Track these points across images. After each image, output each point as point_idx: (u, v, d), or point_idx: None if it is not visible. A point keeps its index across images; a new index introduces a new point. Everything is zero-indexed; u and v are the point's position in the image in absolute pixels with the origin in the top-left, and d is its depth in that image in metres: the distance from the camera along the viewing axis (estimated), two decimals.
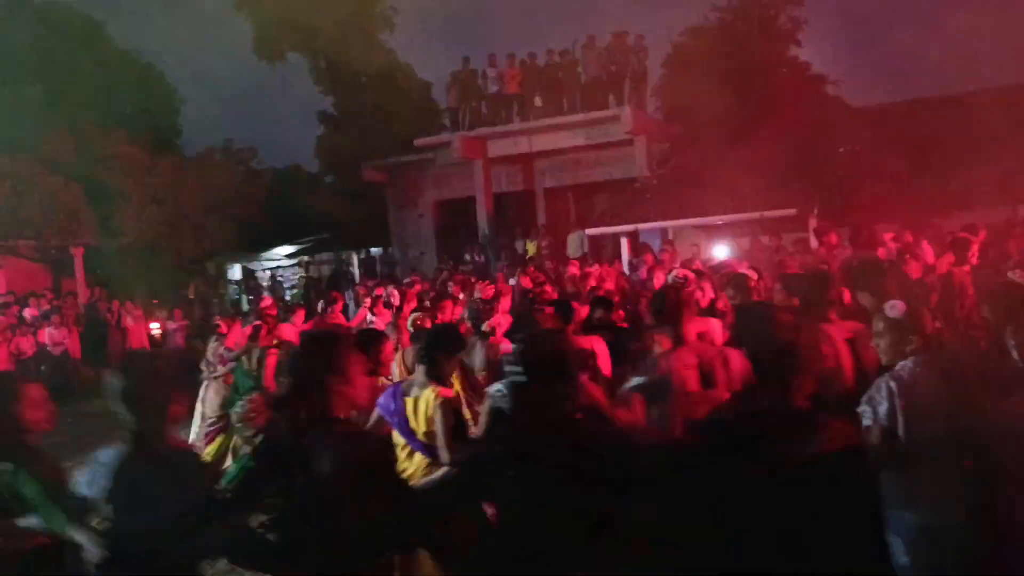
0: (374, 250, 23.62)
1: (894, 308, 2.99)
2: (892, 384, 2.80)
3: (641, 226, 13.98)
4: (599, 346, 4.59)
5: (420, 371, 3.57)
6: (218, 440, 7.21)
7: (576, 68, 17.31)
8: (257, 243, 25.42)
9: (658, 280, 7.07)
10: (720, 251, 12.79)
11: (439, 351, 3.61)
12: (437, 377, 3.54)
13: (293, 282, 25.11)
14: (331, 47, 24.79)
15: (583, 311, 5.70)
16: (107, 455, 2.61)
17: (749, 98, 18.69)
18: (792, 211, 12.25)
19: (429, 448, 3.42)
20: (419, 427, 3.44)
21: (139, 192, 15.94)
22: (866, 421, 2.83)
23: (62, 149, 15.67)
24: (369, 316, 8.41)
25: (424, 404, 3.44)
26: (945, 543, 2.75)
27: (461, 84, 18.01)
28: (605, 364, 4.52)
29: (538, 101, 17.53)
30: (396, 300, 8.17)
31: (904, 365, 2.86)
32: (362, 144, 22.13)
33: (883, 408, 2.79)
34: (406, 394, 3.53)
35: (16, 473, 2.86)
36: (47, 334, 14.95)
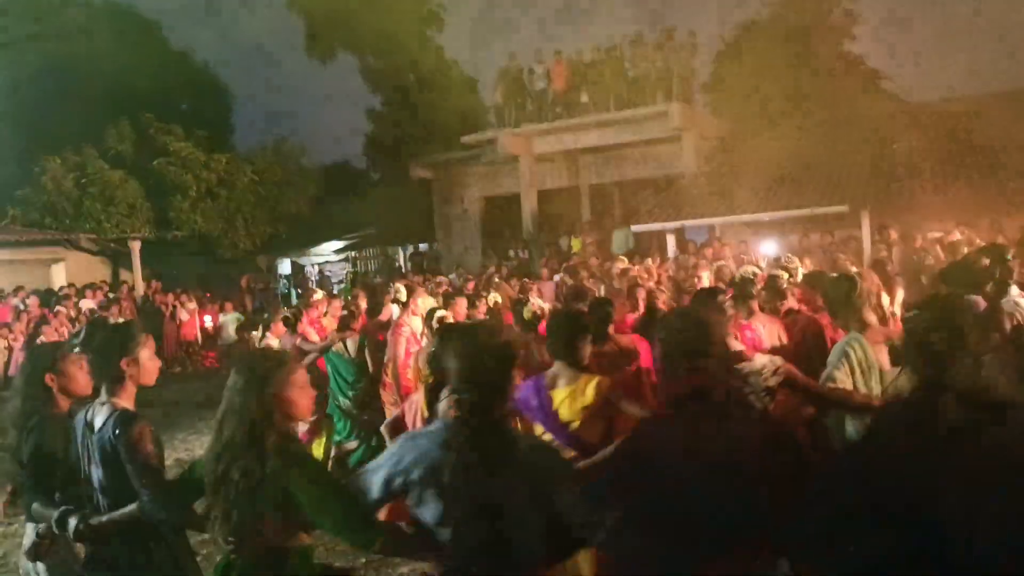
0: (422, 246, 23.87)
1: (975, 305, 2.91)
2: None
3: (687, 223, 13.85)
4: (642, 345, 4.44)
5: (561, 364, 3.43)
6: (321, 437, 6.97)
7: (623, 64, 17.22)
8: (306, 238, 25.92)
9: (701, 276, 6.98)
10: (769, 248, 12.60)
11: (578, 336, 3.46)
12: (581, 364, 3.42)
13: (341, 277, 25.52)
14: (380, 45, 25.14)
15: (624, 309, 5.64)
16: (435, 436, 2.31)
17: (801, 93, 18.38)
18: (844, 208, 12.01)
19: (579, 442, 3.25)
20: (573, 419, 3.29)
21: (195, 187, 16.38)
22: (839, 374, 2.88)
23: (123, 144, 16.19)
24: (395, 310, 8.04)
25: (583, 394, 3.30)
26: None
27: (507, 81, 18.08)
28: (648, 363, 4.35)
29: (584, 97, 17.49)
30: (403, 296, 7.69)
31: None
32: (409, 141, 22.36)
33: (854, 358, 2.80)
34: (552, 387, 3.38)
35: (285, 473, 2.25)
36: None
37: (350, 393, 6.97)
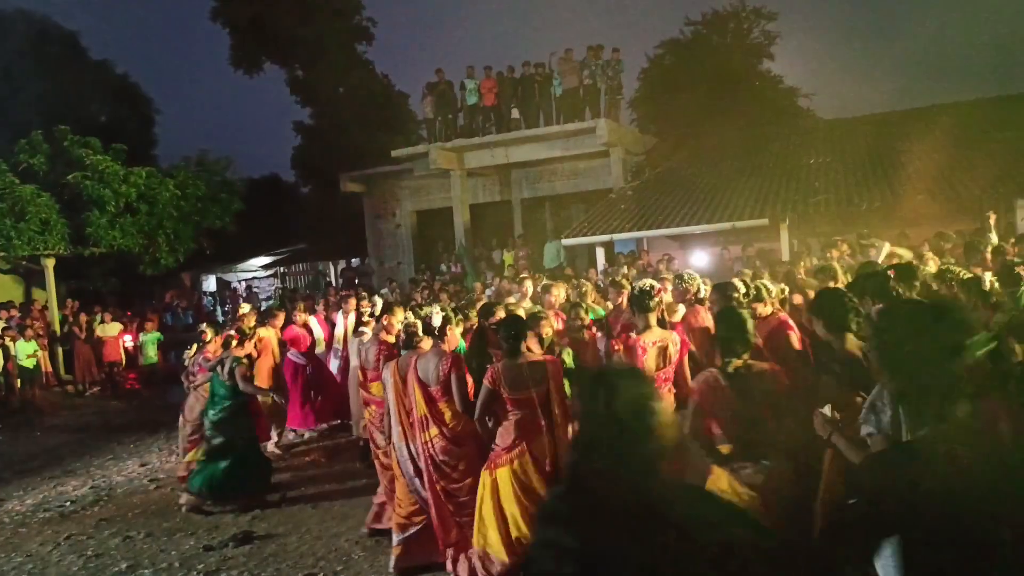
0: (353, 261, 23.58)
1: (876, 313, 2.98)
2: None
3: (616, 236, 14.11)
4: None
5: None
6: (198, 449, 7.47)
7: (552, 80, 17.47)
8: (232, 254, 25.28)
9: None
10: (699, 259, 12.93)
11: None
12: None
13: (269, 293, 24.98)
14: (308, 58, 24.82)
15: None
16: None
17: (723, 110, 19.00)
18: (764, 221, 12.44)
19: None
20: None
21: (113, 201, 15.75)
22: (868, 429, 2.75)
23: (36, 157, 15.46)
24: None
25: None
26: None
27: (437, 95, 18.11)
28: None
29: (515, 113, 17.66)
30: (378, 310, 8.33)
31: None
32: (339, 155, 22.13)
33: (887, 416, 2.67)
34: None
35: None
36: (18, 347, 14.73)
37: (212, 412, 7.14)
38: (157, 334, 15.88)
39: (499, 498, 4.46)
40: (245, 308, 9.69)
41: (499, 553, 4.45)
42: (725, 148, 16.67)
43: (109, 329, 15.53)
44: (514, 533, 4.41)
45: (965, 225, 10.29)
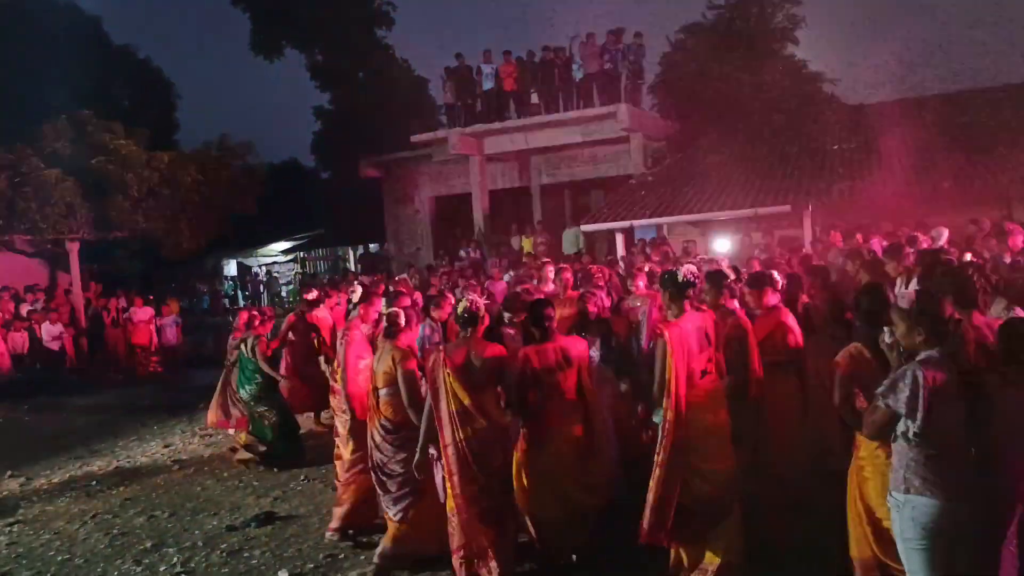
0: (372, 246, 23.66)
1: (904, 298, 3.10)
2: (920, 373, 2.85)
3: (636, 223, 14.03)
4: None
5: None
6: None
7: (572, 65, 17.35)
8: (253, 238, 25.47)
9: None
10: (722, 246, 12.78)
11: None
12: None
13: (289, 278, 25.16)
14: (328, 42, 24.81)
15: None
16: None
17: (745, 95, 18.75)
18: (787, 208, 12.30)
19: None
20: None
21: (136, 186, 15.88)
22: (880, 402, 2.97)
23: (60, 142, 15.59)
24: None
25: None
26: (959, 526, 2.90)
27: (457, 80, 18.05)
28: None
29: (534, 98, 17.57)
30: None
31: (931, 356, 2.92)
32: (359, 140, 22.14)
33: (904, 395, 2.87)
34: None
35: None
36: (44, 329, 14.97)
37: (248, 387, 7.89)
38: (176, 317, 16.06)
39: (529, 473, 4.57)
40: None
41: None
42: (747, 134, 16.47)
43: (141, 314, 15.65)
44: (551, 496, 4.53)
45: (989, 214, 10.11)
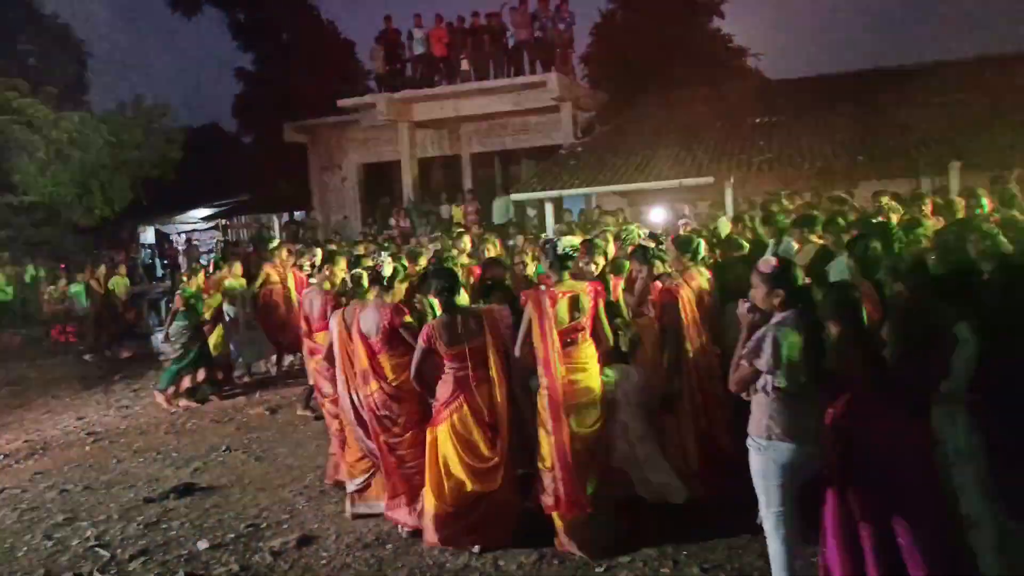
0: (297, 214, 23.08)
1: (767, 263, 3.43)
2: (778, 335, 3.21)
3: (565, 192, 14.11)
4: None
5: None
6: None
7: (504, 32, 17.20)
8: (172, 205, 24.46)
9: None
10: (656, 215, 12.86)
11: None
12: None
13: (210, 246, 24.34)
14: (251, 1, 23.85)
15: None
16: None
17: (672, 68, 19.01)
18: (710, 179, 12.58)
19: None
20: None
21: (43, 148, 15.01)
22: (744, 362, 3.32)
23: None
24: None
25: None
26: (807, 466, 3.30)
27: (386, 45, 17.66)
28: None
29: (465, 64, 17.36)
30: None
31: (786, 318, 3.26)
32: (283, 104, 21.44)
33: (766, 356, 3.22)
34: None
35: None
36: None
37: None
38: (81, 286, 15.34)
39: (437, 450, 4.54)
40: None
41: (427, 496, 4.58)
42: (674, 106, 16.72)
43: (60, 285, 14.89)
44: (447, 482, 4.50)
45: (902, 187, 10.57)
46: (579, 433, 4.31)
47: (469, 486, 4.47)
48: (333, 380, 5.37)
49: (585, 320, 4.38)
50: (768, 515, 3.41)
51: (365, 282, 5.10)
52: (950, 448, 3.38)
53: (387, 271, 4.93)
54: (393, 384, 4.83)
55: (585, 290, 4.42)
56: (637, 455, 4.77)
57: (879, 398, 3.16)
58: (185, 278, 9.98)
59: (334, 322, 5.10)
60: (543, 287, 4.60)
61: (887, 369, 3.27)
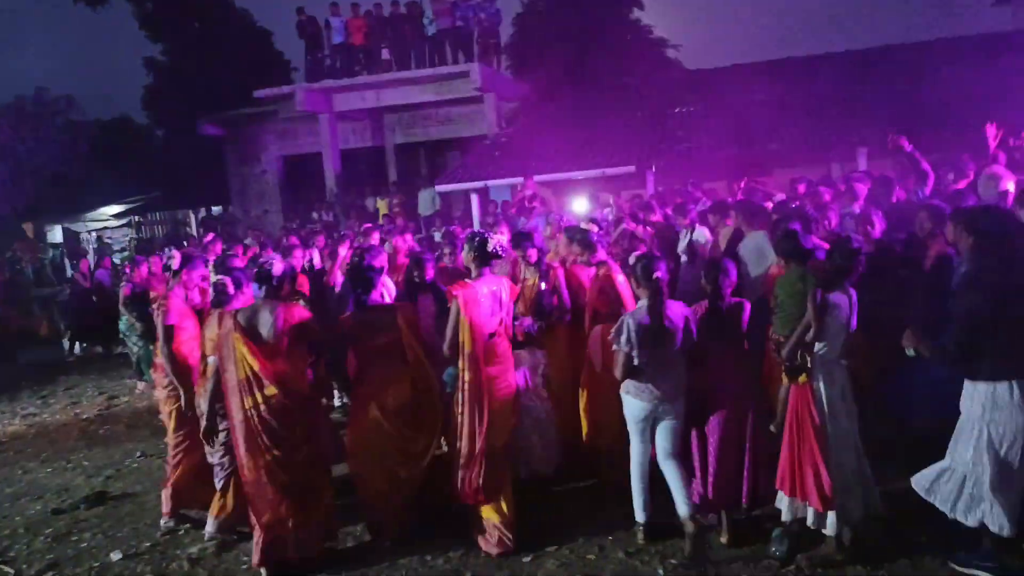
0: (215, 209, 22.35)
1: (632, 259, 4.25)
2: (629, 321, 3.99)
3: (491, 182, 14.09)
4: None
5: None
6: None
7: (424, 21, 16.99)
8: (81, 202, 23.35)
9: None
10: (580, 205, 12.97)
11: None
12: None
13: (123, 244, 23.35)
14: None
15: None
16: None
17: (594, 59, 19.18)
18: (631, 168, 12.78)
19: None
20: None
21: None
22: (616, 346, 4.02)
23: None
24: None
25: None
26: (657, 417, 4.12)
27: (304, 34, 17.21)
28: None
29: (385, 54, 17.10)
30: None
31: (641, 305, 4.05)
32: (196, 95, 20.70)
33: (624, 337, 3.97)
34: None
35: None
36: None
37: None
38: None
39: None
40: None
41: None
42: (596, 97, 16.89)
43: None
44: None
45: (813, 172, 10.96)
46: (498, 427, 4.36)
47: (397, 469, 4.47)
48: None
49: (504, 315, 4.48)
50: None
51: (231, 290, 4.71)
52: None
53: (277, 270, 4.49)
54: (291, 390, 4.30)
55: (504, 286, 4.51)
56: (532, 441, 4.90)
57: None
58: (128, 271, 9.43)
59: (215, 328, 4.58)
60: (467, 280, 4.56)
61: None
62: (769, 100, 13.99)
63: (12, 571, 4.82)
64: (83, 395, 9.85)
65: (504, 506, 4.35)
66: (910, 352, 3.52)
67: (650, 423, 4.14)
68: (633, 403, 4.13)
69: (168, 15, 23.34)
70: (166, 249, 7.38)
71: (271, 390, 4.20)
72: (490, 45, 17.19)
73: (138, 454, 6.98)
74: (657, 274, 3.96)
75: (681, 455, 4.15)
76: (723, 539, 4.14)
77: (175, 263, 6.01)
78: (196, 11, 23.43)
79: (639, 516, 4.28)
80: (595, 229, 5.88)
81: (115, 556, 4.84)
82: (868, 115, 12.39)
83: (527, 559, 4.22)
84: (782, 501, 3.92)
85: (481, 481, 4.28)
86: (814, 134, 12.56)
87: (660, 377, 4.03)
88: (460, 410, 4.35)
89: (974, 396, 3.47)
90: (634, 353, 3.95)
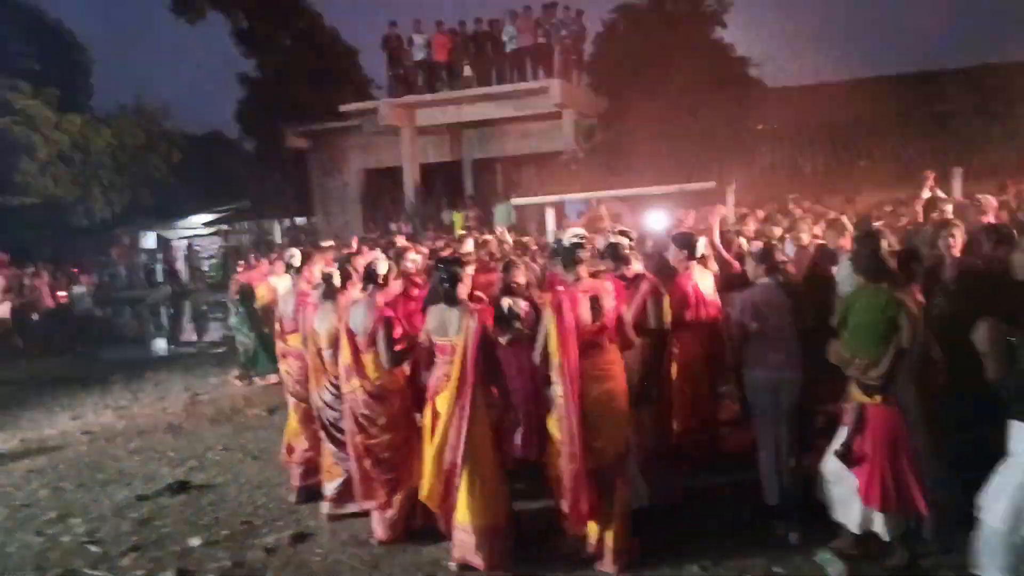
0: (298, 219, 23.06)
1: (754, 246, 4.81)
2: (746, 296, 4.46)
3: (566, 198, 14.07)
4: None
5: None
6: None
7: (505, 38, 17.20)
8: (173, 210, 24.49)
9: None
10: (656, 220, 12.80)
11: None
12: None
13: (211, 252, 24.31)
14: (253, 7, 23.90)
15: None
16: None
17: (674, 76, 19.01)
18: (711, 185, 12.53)
19: None
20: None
21: (44, 149, 15.01)
22: (733, 317, 4.47)
23: None
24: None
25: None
26: (779, 388, 4.28)
27: (388, 50, 17.67)
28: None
29: (467, 70, 17.37)
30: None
31: (757, 285, 4.47)
32: (285, 109, 21.48)
33: (737, 309, 4.43)
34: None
35: None
36: None
37: None
38: (85, 287, 15.34)
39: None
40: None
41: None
42: (676, 113, 16.71)
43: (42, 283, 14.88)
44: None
45: (905, 192, 10.53)
46: (597, 447, 3.96)
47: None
48: (304, 383, 5.40)
49: (607, 322, 4.04)
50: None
51: (337, 281, 5.03)
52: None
53: (382, 269, 4.80)
54: (376, 383, 4.63)
55: (607, 289, 4.09)
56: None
57: None
58: (240, 269, 11.14)
59: (322, 319, 5.03)
60: (560, 287, 4.23)
61: None
62: (857, 118, 13.57)
63: (99, 550, 5.03)
64: (170, 391, 10.26)
65: (619, 528, 4.03)
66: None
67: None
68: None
69: (261, 32, 24.29)
70: (288, 249, 7.92)
71: (355, 381, 4.63)
72: (571, 61, 17.26)
73: (220, 447, 7.21)
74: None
75: None
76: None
77: (296, 260, 6.37)
78: (288, 29, 24.32)
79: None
80: (626, 242, 5.48)
81: (194, 542, 4.99)
82: (963, 135, 11.87)
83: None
84: (847, 515, 3.94)
85: (573, 505, 3.96)
86: (904, 152, 12.09)
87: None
88: (560, 426, 3.98)
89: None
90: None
